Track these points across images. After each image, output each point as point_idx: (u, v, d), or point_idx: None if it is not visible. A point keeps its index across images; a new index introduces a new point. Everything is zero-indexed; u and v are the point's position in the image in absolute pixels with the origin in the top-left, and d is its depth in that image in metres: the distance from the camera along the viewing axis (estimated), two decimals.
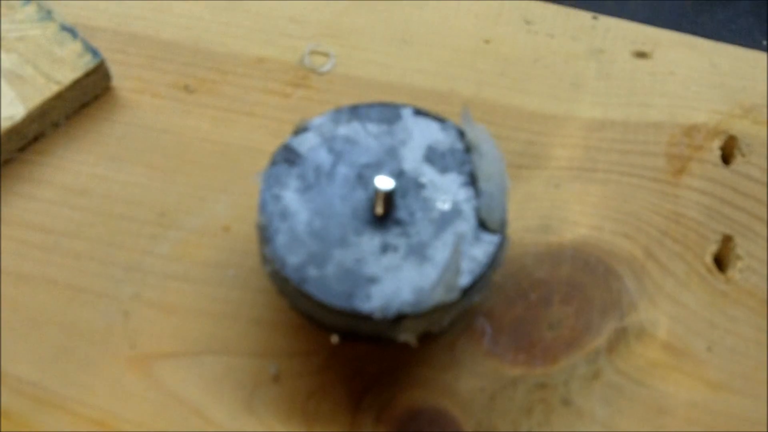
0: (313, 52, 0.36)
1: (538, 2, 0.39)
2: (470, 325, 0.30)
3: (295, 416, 0.28)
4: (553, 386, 0.29)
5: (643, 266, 0.31)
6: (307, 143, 0.28)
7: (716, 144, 0.34)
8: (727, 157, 0.34)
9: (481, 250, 0.26)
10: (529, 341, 0.29)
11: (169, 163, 0.33)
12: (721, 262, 0.32)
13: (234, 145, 0.33)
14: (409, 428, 0.28)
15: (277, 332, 0.29)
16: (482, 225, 0.27)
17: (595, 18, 0.38)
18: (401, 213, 0.27)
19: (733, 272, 0.31)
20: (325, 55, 0.36)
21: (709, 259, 0.32)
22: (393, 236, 0.27)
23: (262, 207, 0.27)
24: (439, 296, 0.26)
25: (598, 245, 0.32)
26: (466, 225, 0.27)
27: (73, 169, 0.32)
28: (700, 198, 0.33)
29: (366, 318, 0.25)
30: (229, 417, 0.28)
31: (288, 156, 0.28)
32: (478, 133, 0.28)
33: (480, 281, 0.27)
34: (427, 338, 0.27)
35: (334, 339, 0.26)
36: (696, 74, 0.37)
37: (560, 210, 0.32)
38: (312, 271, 0.26)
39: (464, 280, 0.26)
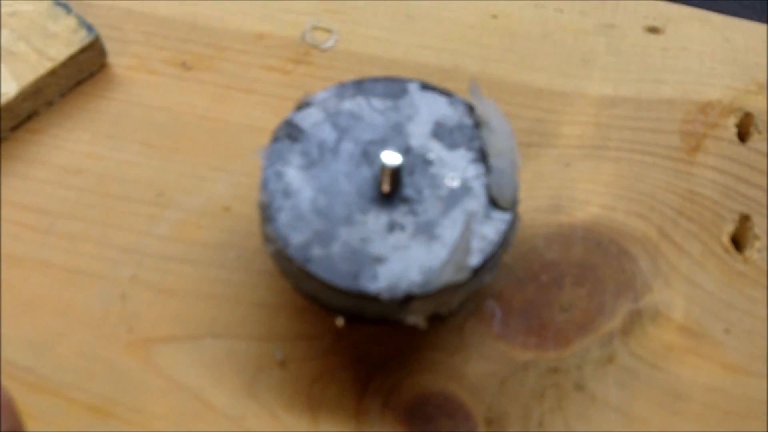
0: (314, 28, 0.35)
1: None
2: (479, 307, 0.29)
3: (299, 401, 0.27)
4: (566, 370, 0.28)
5: (657, 247, 0.30)
6: (310, 118, 0.27)
7: (732, 121, 0.33)
8: (743, 135, 0.33)
9: (491, 228, 0.25)
10: (540, 324, 0.28)
11: (166, 142, 0.32)
12: (738, 241, 0.31)
13: (233, 123, 0.32)
14: (417, 413, 0.27)
15: (281, 315, 0.28)
16: (493, 203, 0.26)
17: None
18: (408, 190, 0.26)
19: (751, 252, 0.30)
20: (327, 31, 0.35)
21: (725, 239, 0.31)
22: (400, 214, 0.26)
23: (264, 184, 0.26)
24: (449, 276, 0.25)
25: (611, 225, 0.31)
26: (476, 203, 0.26)
27: (67, 148, 0.31)
28: (715, 176, 0.32)
29: (373, 299, 0.24)
30: (231, 402, 0.27)
31: (290, 132, 0.27)
32: (487, 108, 0.27)
33: (491, 261, 0.26)
34: (435, 320, 0.26)
35: (339, 322, 0.25)
36: (709, 50, 0.36)
37: (571, 189, 0.31)
38: (316, 251, 0.25)
39: (475, 259, 0.25)
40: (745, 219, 0.31)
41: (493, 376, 0.28)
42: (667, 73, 0.35)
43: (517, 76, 0.34)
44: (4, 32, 0.32)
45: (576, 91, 0.34)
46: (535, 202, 0.31)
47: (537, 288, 0.29)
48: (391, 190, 0.26)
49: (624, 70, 0.35)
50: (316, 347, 0.28)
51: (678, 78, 0.35)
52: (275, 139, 0.27)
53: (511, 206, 0.26)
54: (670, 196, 0.31)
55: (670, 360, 0.28)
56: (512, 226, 0.26)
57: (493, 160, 0.26)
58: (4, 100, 0.30)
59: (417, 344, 0.28)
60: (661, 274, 0.30)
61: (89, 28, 0.32)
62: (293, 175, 0.26)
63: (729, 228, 0.31)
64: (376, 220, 0.26)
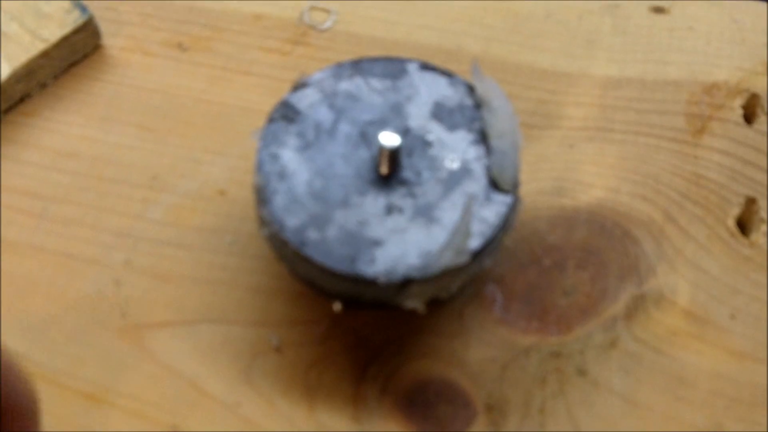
0: (312, 9, 0.34)
1: None
2: (480, 291, 0.28)
3: (295, 387, 0.26)
4: (568, 355, 0.27)
5: (662, 230, 0.29)
6: (306, 99, 0.27)
7: (738, 102, 0.33)
8: (749, 116, 0.33)
9: (492, 211, 0.25)
10: (542, 308, 0.28)
11: (161, 124, 0.31)
12: (744, 225, 0.30)
13: (230, 105, 0.32)
14: (415, 400, 0.26)
15: (277, 300, 0.28)
16: (493, 185, 0.25)
17: None
18: (407, 173, 0.25)
19: (757, 236, 0.30)
20: (326, 11, 0.34)
21: (731, 223, 0.30)
22: (398, 197, 0.25)
23: (259, 166, 0.25)
24: (448, 260, 0.24)
25: (615, 208, 0.30)
26: (476, 185, 0.25)
27: (61, 131, 0.31)
28: (721, 159, 0.31)
29: (370, 283, 0.24)
30: (226, 389, 0.26)
31: (286, 113, 0.26)
32: (488, 88, 0.27)
33: (491, 244, 0.25)
34: (434, 305, 0.26)
35: (337, 307, 0.25)
36: (716, 30, 0.35)
37: (574, 172, 0.31)
38: (312, 234, 0.24)
39: (474, 243, 0.24)
40: (751, 202, 0.30)
41: (493, 361, 0.27)
42: (673, 54, 0.34)
43: (521, 56, 0.34)
44: None
45: (580, 72, 0.33)
46: (538, 185, 0.30)
47: (539, 272, 0.29)
48: (389, 172, 0.25)
49: (629, 50, 0.34)
50: (312, 333, 0.27)
51: (684, 59, 0.34)
52: (271, 120, 0.26)
53: (512, 188, 0.25)
54: (675, 178, 0.31)
55: (675, 345, 0.27)
56: (513, 208, 0.25)
57: (494, 141, 0.26)
58: None
59: (416, 329, 0.27)
60: (665, 258, 0.29)
61: (83, 8, 0.32)
62: (289, 157, 0.26)
63: (735, 211, 0.30)
64: (374, 202, 0.25)
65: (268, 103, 0.31)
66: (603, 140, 0.31)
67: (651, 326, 0.28)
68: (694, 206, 0.30)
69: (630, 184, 0.30)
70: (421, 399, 0.26)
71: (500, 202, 0.25)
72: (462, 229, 0.24)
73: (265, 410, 0.26)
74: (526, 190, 0.30)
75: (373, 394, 0.26)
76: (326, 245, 0.24)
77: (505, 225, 0.25)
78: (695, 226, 0.30)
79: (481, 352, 0.27)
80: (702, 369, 0.27)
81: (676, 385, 0.27)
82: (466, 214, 0.24)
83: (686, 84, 0.33)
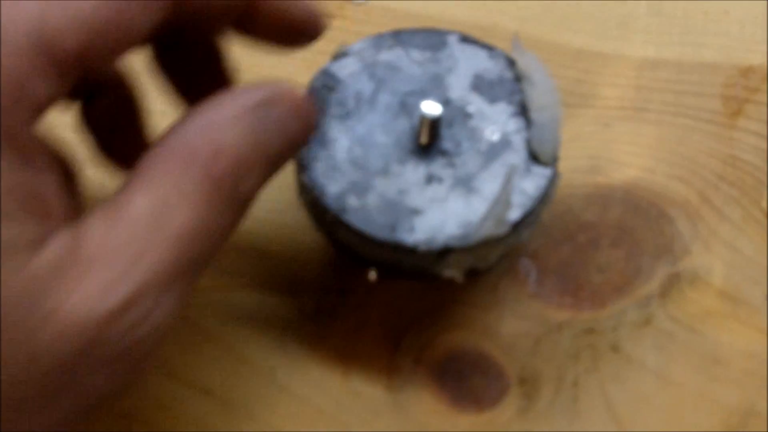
0: None
1: None
2: (514, 266, 0.28)
3: (329, 356, 0.27)
4: (602, 332, 0.27)
5: (697, 211, 0.29)
6: (346, 69, 0.27)
7: None
8: None
9: (532, 183, 0.25)
10: (576, 285, 0.28)
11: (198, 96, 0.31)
12: None
13: (265, 75, 0.32)
14: (449, 370, 0.26)
15: (311, 269, 0.28)
16: (533, 157, 0.25)
17: None
18: (447, 143, 0.25)
19: None
20: None
21: (765, 204, 0.30)
22: (438, 167, 0.25)
23: None
24: (488, 230, 0.24)
25: (650, 188, 0.30)
26: (516, 157, 0.25)
27: None
28: (757, 141, 0.31)
29: (410, 251, 0.24)
30: (261, 355, 0.26)
31: (327, 81, 0.26)
32: (530, 62, 0.27)
33: (530, 216, 0.25)
34: (472, 275, 0.25)
35: (372, 276, 0.25)
36: (751, 14, 0.35)
37: (610, 151, 0.31)
38: (353, 201, 0.24)
39: (514, 214, 0.24)
40: None
41: (527, 335, 0.27)
42: (709, 37, 0.34)
43: (555, 36, 0.33)
44: None
45: (615, 53, 0.33)
46: (573, 162, 0.30)
47: (573, 248, 0.29)
48: (429, 142, 0.25)
49: (664, 32, 0.34)
50: (347, 301, 0.27)
51: (720, 42, 0.34)
52: (311, 88, 0.26)
53: (552, 162, 0.25)
54: (710, 160, 0.30)
55: (709, 324, 0.27)
56: (552, 181, 0.25)
57: (535, 115, 0.26)
58: None
59: (450, 301, 0.27)
60: (700, 238, 0.29)
61: None
62: (329, 124, 0.26)
63: None
64: (414, 172, 0.25)
65: (303, 74, 0.31)
66: (639, 120, 0.31)
67: (685, 305, 0.28)
68: (729, 187, 0.30)
69: (666, 165, 0.30)
70: (454, 370, 0.26)
71: (540, 175, 0.25)
72: (502, 200, 0.24)
73: (299, 378, 0.26)
74: (561, 167, 0.29)
75: (407, 363, 0.26)
76: (366, 212, 0.24)
77: (544, 198, 0.25)
78: (730, 207, 0.30)
79: (515, 325, 0.27)
80: (735, 348, 0.27)
81: (709, 363, 0.27)
82: (507, 184, 0.24)
83: (722, 67, 0.33)
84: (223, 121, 0.20)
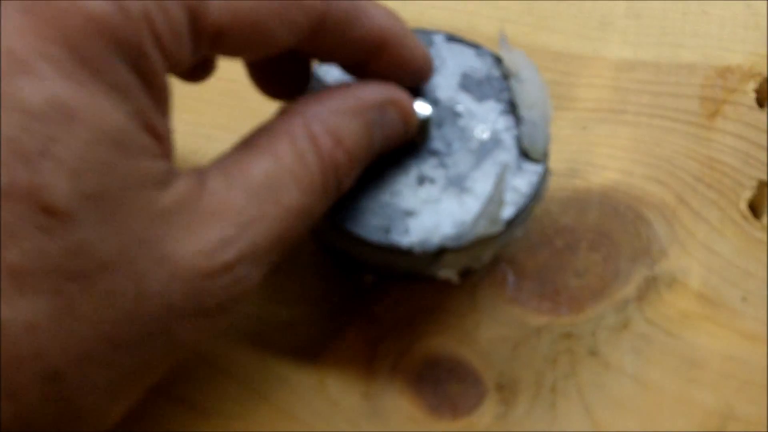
0: None
1: None
2: (492, 271, 0.28)
3: (307, 363, 0.26)
4: (580, 336, 0.27)
5: (674, 212, 0.29)
6: (334, 71, 0.26)
7: (751, 86, 0.32)
8: (762, 100, 0.32)
9: (524, 180, 0.25)
10: (554, 289, 0.28)
11: (173, 101, 0.31)
12: (756, 208, 0.30)
13: (244, 83, 0.31)
14: (427, 377, 0.26)
15: (290, 277, 0.28)
16: (524, 154, 0.25)
17: None
18: (437, 143, 0.25)
19: None
20: None
21: (743, 206, 0.30)
22: (429, 168, 0.25)
23: None
24: (482, 229, 0.24)
25: (628, 190, 0.30)
26: (507, 155, 0.25)
27: None
28: (734, 142, 0.31)
29: (405, 253, 0.24)
30: (237, 363, 0.26)
31: (314, 86, 0.26)
32: (517, 59, 0.26)
33: (523, 214, 0.25)
34: (466, 276, 0.25)
35: (368, 279, 0.25)
36: (730, 14, 0.35)
37: (588, 153, 0.31)
38: (346, 205, 0.24)
39: (508, 212, 0.24)
40: (763, 186, 0.30)
41: (505, 340, 0.27)
42: (687, 38, 0.34)
43: (534, 38, 0.33)
44: None
45: (594, 54, 0.33)
46: (551, 166, 0.30)
47: (551, 252, 0.28)
48: (419, 143, 0.25)
49: (643, 33, 0.34)
50: (324, 308, 0.27)
51: (698, 42, 0.34)
52: None
53: (543, 158, 0.25)
54: (688, 161, 0.30)
55: (686, 327, 0.27)
56: (544, 178, 0.25)
57: (525, 112, 0.26)
58: None
59: (427, 307, 0.27)
60: (678, 241, 0.29)
61: None
62: None
63: (747, 194, 0.30)
64: (406, 173, 0.25)
65: None
66: (616, 122, 0.31)
67: (663, 308, 0.28)
68: (706, 189, 0.30)
69: (643, 167, 0.30)
70: (432, 376, 0.26)
71: (532, 172, 0.25)
72: (496, 198, 0.24)
73: (276, 384, 0.26)
74: None
75: (384, 370, 0.26)
76: (360, 216, 0.24)
77: (537, 194, 0.25)
78: (708, 209, 0.30)
79: (492, 331, 0.27)
80: (713, 351, 0.27)
81: (687, 366, 0.27)
82: (500, 182, 0.24)
83: (700, 67, 0.33)
84: (343, 113, 0.22)
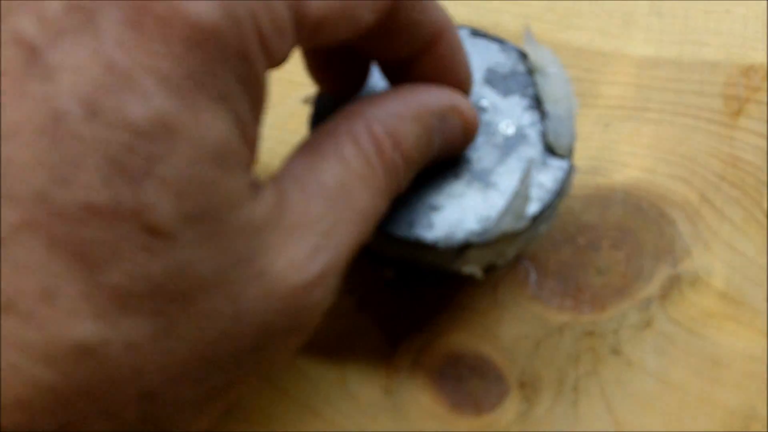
0: None
1: None
2: (513, 268, 0.28)
3: (327, 358, 0.26)
4: (602, 334, 0.27)
5: (698, 211, 0.29)
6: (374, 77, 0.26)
7: None
8: None
9: (549, 176, 0.25)
10: (576, 287, 0.28)
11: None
12: None
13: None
14: (448, 373, 0.26)
15: None
16: (549, 150, 0.25)
17: None
18: None
19: None
20: None
21: (767, 205, 0.30)
22: (454, 162, 0.25)
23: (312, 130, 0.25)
24: (508, 224, 0.24)
25: (651, 189, 0.30)
26: (532, 150, 0.25)
27: None
28: (758, 141, 0.31)
29: (429, 248, 0.24)
30: None
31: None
32: (543, 55, 0.26)
33: (548, 209, 0.25)
34: (490, 272, 0.25)
35: (389, 274, 0.25)
36: (753, 13, 0.34)
37: (610, 151, 0.30)
38: None
39: (533, 207, 0.24)
40: None
41: (527, 338, 0.27)
42: (710, 36, 0.33)
43: (557, 34, 0.33)
44: None
45: (616, 52, 0.33)
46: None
47: (573, 250, 0.28)
48: None
49: (666, 31, 0.34)
50: (345, 304, 0.27)
51: (721, 41, 0.33)
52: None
53: (569, 154, 0.25)
54: (711, 160, 0.30)
55: (709, 327, 0.27)
56: (569, 174, 0.25)
57: (550, 107, 0.25)
58: None
59: (449, 303, 0.27)
60: (701, 239, 0.29)
61: None
62: None
63: None
64: (430, 168, 0.25)
65: (302, 74, 0.31)
66: (639, 120, 0.31)
67: (685, 307, 0.28)
68: (730, 188, 0.30)
69: (666, 165, 0.30)
70: (453, 373, 0.26)
71: (557, 167, 0.25)
72: (521, 194, 0.24)
73: (297, 379, 0.26)
74: None
75: (405, 366, 0.26)
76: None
77: (562, 190, 0.25)
78: (731, 208, 0.29)
79: (514, 328, 0.27)
80: (736, 351, 0.27)
81: (710, 366, 0.27)
82: (526, 178, 0.24)
83: (723, 66, 0.33)
84: (405, 116, 0.21)
